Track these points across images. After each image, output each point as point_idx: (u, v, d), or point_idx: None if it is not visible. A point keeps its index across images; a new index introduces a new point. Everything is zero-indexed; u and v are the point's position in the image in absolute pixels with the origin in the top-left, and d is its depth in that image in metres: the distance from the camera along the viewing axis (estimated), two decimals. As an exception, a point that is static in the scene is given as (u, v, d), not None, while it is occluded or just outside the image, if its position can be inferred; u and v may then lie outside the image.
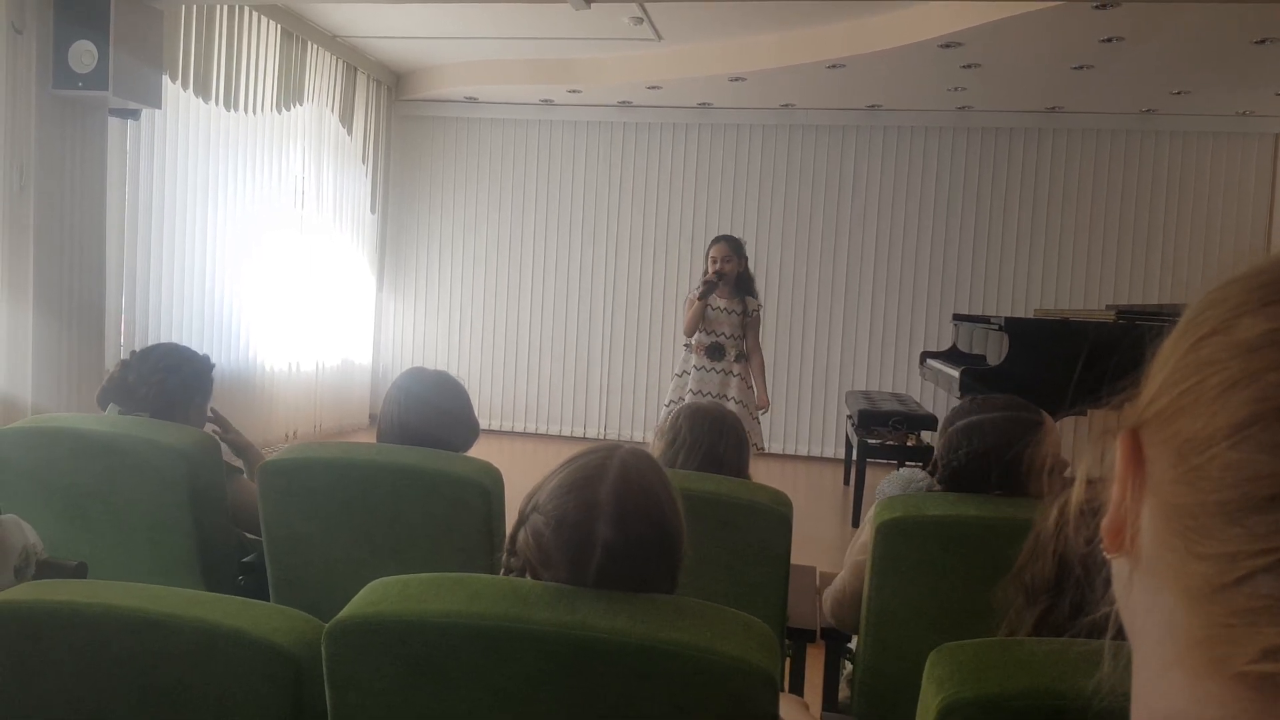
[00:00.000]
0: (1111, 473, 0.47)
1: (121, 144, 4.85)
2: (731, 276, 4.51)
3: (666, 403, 4.69)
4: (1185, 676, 0.41)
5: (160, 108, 4.62)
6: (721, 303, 4.51)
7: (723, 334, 4.52)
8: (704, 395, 4.37)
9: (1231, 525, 0.39)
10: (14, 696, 1.18)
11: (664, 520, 1.16)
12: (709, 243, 4.68)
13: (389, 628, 1.07)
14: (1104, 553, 0.47)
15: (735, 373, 4.51)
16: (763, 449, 4.78)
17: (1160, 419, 0.44)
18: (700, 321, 4.52)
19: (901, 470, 2.60)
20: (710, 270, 4.52)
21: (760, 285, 7.26)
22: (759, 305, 4.64)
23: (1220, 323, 0.43)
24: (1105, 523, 0.46)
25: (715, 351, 4.52)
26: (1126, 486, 0.45)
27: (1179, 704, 0.42)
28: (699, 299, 4.49)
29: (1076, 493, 0.51)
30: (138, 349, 2.54)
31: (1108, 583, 0.48)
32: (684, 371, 4.62)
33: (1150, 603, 0.44)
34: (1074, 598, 0.98)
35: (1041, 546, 1.06)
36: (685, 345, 4.66)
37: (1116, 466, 0.46)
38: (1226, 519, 0.39)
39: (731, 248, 4.56)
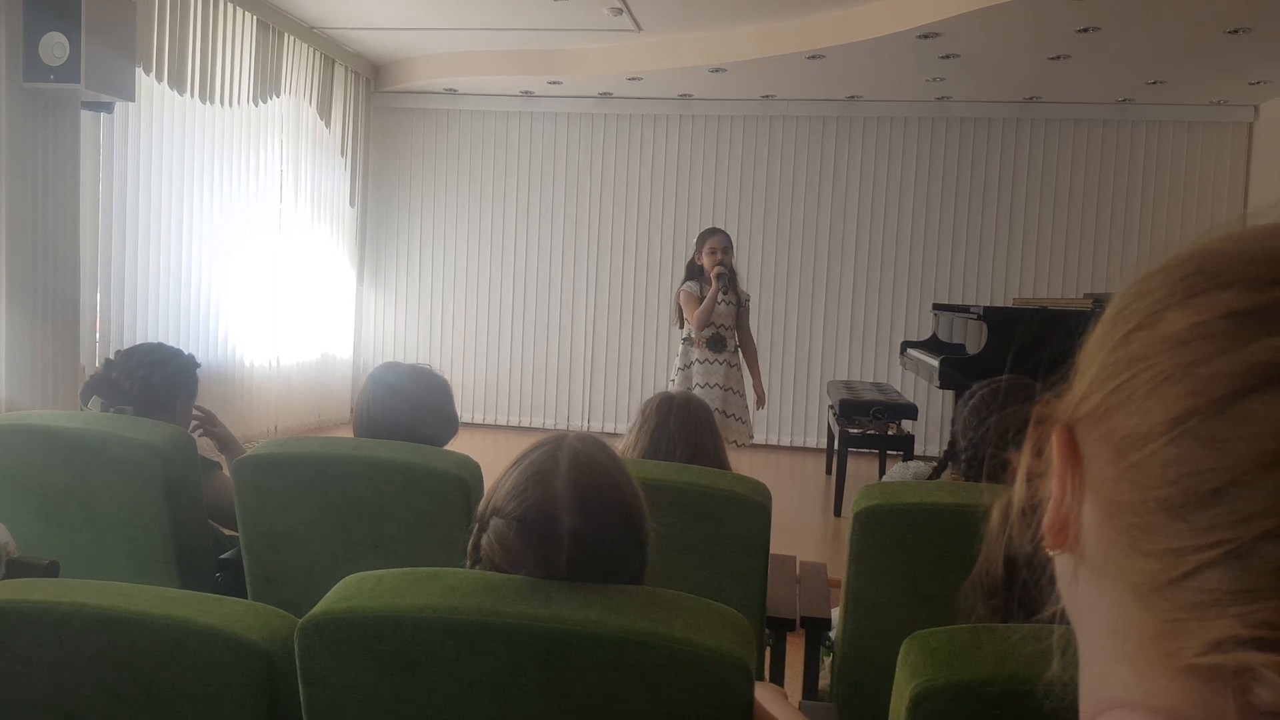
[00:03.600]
0: (1048, 468, 0.47)
1: (95, 137, 4.79)
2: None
3: None
4: (1132, 670, 0.41)
5: (134, 100, 4.56)
6: (721, 294, 4.55)
7: (722, 325, 4.56)
8: (710, 387, 4.44)
9: (1175, 521, 0.39)
10: (-16, 697, 1.17)
11: (624, 498, 1.16)
12: (701, 234, 4.67)
13: (362, 623, 1.06)
14: (1046, 550, 0.47)
15: (734, 363, 4.59)
16: (752, 439, 4.80)
17: (1094, 416, 0.44)
18: (710, 314, 4.53)
19: (909, 464, 2.62)
20: (709, 262, 4.53)
21: (741, 275, 7.30)
22: (748, 295, 4.72)
23: (1146, 316, 0.43)
24: (1046, 521, 0.46)
25: (716, 343, 4.56)
26: (1066, 484, 0.45)
27: (1126, 696, 0.42)
28: (722, 291, 4.48)
29: (1018, 492, 0.50)
30: (118, 346, 2.53)
31: (1053, 580, 0.48)
32: (687, 364, 4.61)
33: (1095, 597, 0.44)
34: (1023, 598, 0.98)
35: (995, 546, 1.06)
36: (685, 339, 4.66)
37: (1054, 463, 0.46)
38: (1170, 515, 0.39)
39: (729, 240, 4.61)
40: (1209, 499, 0.38)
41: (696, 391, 4.37)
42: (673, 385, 4.71)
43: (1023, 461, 0.49)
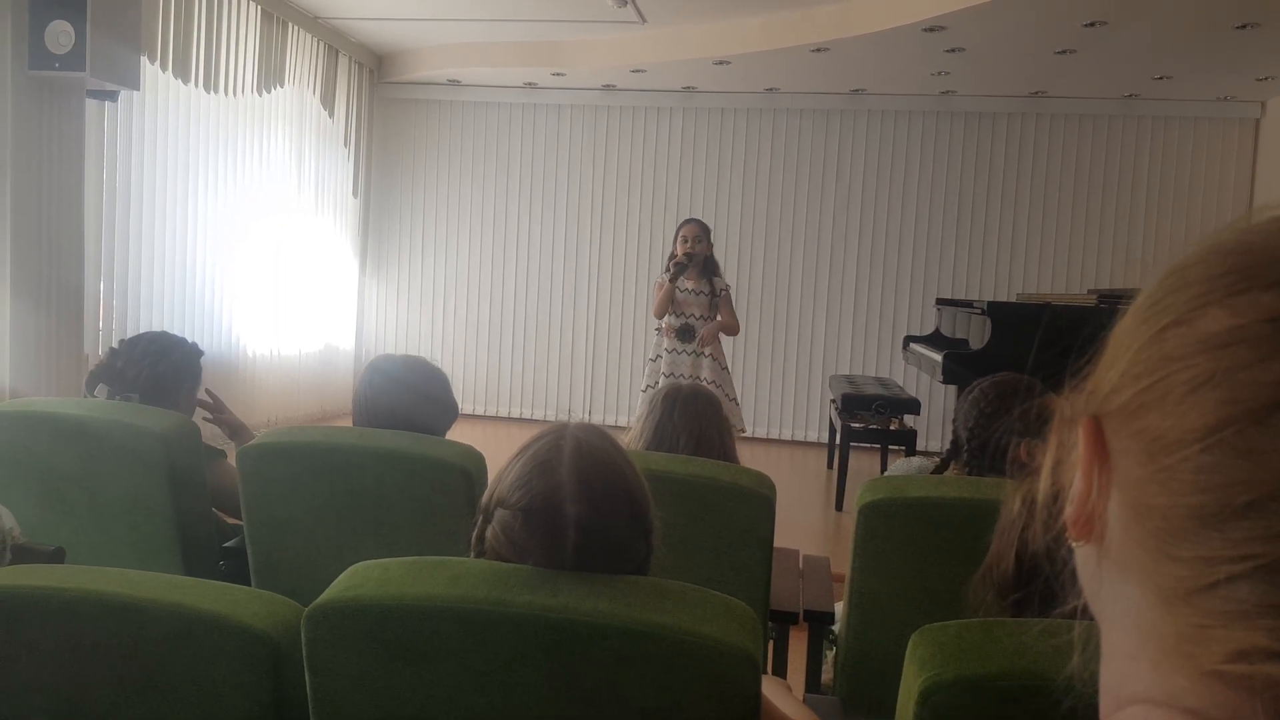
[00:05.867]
0: (1072, 457, 0.46)
1: (99, 126, 4.78)
2: (700, 258, 4.53)
3: (643, 388, 4.72)
4: (1154, 669, 0.41)
5: (139, 89, 4.54)
6: (690, 284, 4.53)
7: (692, 315, 4.54)
8: (676, 378, 4.38)
9: (1206, 530, 0.38)
10: (-10, 683, 1.17)
11: (628, 486, 1.15)
12: (678, 224, 4.70)
13: (369, 611, 1.06)
14: (1069, 541, 0.46)
15: (706, 354, 4.53)
16: (744, 431, 4.80)
17: (1125, 412, 0.42)
18: (670, 304, 4.53)
19: (912, 459, 2.61)
20: (680, 251, 4.53)
21: (744, 269, 7.32)
22: (726, 285, 4.67)
23: (1183, 313, 0.41)
24: (1070, 513, 0.45)
25: (685, 333, 4.53)
26: (1092, 479, 0.44)
27: (1149, 693, 0.41)
28: (671, 280, 4.50)
29: (1043, 484, 0.49)
30: (121, 335, 2.53)
31: (1074, 575, 0.47)
32: (657, 356, 4.63)
33: (1117, 592, 0.43)
34: (1044, 591, 0.97)
35: (1007, 540, 1.05)
36: (656, 329, 4.68)
37: (1080, 456, 0.45)
38: (1201, 523, 0.38)
39: (702, 229, 4.57)
40: (1242, 511, 0.37)
41: (662, 383, 4.36)
42: (645, 376, 4.73)
43: (1048, 452, 0.49)
